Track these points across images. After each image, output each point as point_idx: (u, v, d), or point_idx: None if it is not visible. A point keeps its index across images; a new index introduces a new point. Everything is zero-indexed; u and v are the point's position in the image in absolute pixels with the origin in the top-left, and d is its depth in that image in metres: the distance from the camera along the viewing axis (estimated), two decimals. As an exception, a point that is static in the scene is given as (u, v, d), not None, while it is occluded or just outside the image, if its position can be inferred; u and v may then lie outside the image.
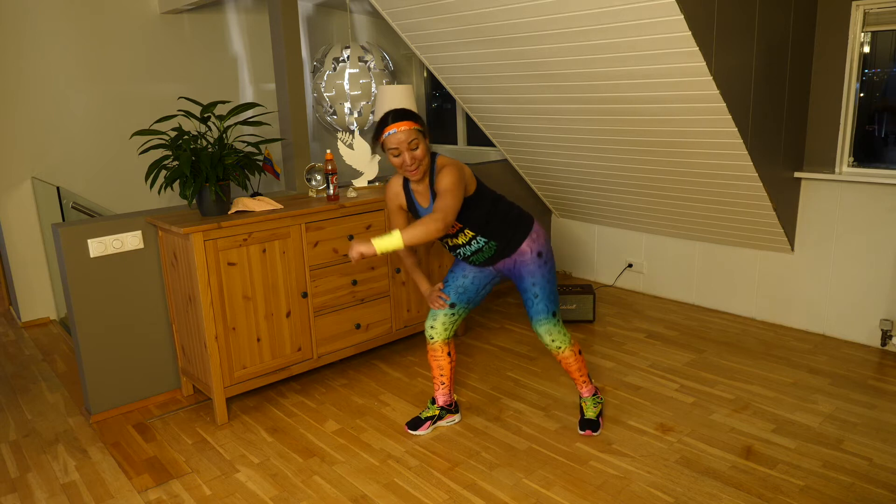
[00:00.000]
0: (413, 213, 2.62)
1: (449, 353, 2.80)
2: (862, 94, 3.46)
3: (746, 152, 3.08)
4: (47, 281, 4.40)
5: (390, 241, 2.25)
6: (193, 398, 3.22)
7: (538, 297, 2.62)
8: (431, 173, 2.47)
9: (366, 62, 4.59)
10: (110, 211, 4.28)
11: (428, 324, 2.76)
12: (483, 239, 2.57)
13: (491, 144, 4.79)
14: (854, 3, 3.32)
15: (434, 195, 2.48)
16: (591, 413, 2.82)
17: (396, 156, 2.40)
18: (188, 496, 2.45)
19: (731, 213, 3.62)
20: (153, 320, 3.12)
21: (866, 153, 3.52)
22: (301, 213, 3.04)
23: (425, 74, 5.96)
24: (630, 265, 4.55)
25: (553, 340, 2.66)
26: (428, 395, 3.14)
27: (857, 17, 3.33)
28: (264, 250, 2.97)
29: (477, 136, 4.98)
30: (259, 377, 3.04)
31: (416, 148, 2.37)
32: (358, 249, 2.27)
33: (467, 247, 2.59)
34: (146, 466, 2.66)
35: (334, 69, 4.57)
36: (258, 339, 3.01)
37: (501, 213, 2.58)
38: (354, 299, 3.32)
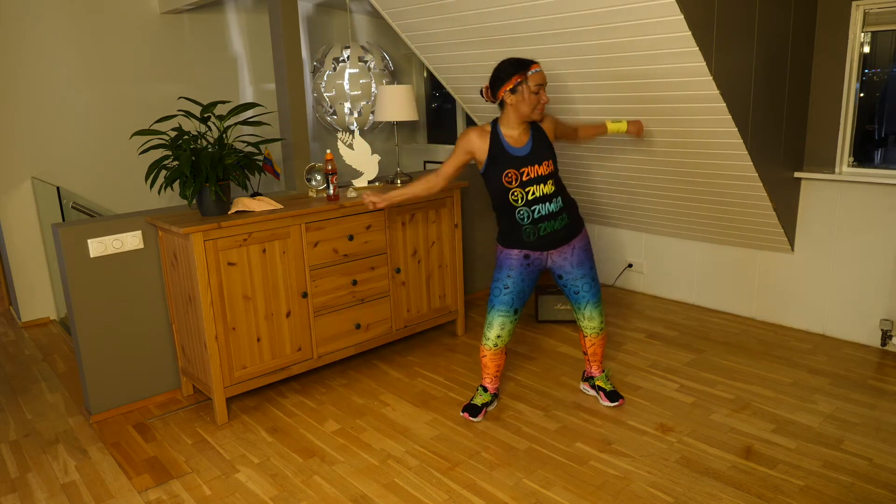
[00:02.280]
0: (498, 158, 2.62)
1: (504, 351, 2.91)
2: (862, 94, 3.46)
3: (746, 152, 3.08)
4: (47, 281, 4.40)
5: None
6: (193, 398, 3.22)
7: (595, 280, 2.82)
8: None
9: (366, 62, 4.59)
10: (110, 211, 4.29)
11: (494, 334, 2.78)
12: (560, 202, 2.67)
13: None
14: (854, 3, 3.32)
15: (533, 137, 2.65)
16: (609, 385, 3.03)
17: (536, 92, 2.54)
18: (188, 496, 2.45)
19: (731, 213, 3.62)
20: (153, 320, 3.12)
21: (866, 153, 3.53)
22: (301, 213, 3.04)
23: (425, 74, 5.96)
24: (630, 265, 4.55)
25: (602, 322, 2.87)
26: (427, 395, 3.15)
27: (857, 17, 3.33)
28: (264, 250, 2.97)
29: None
30: (259, 377, 3.04)
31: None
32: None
33: (548, 203, 2.64)
34: (146, 466, 2.66)
35: (334, 69, 4.57)
36: (258, 339, 3.01)
37: (563, 184, 2.77)
38: (354, 299, 3.32)
